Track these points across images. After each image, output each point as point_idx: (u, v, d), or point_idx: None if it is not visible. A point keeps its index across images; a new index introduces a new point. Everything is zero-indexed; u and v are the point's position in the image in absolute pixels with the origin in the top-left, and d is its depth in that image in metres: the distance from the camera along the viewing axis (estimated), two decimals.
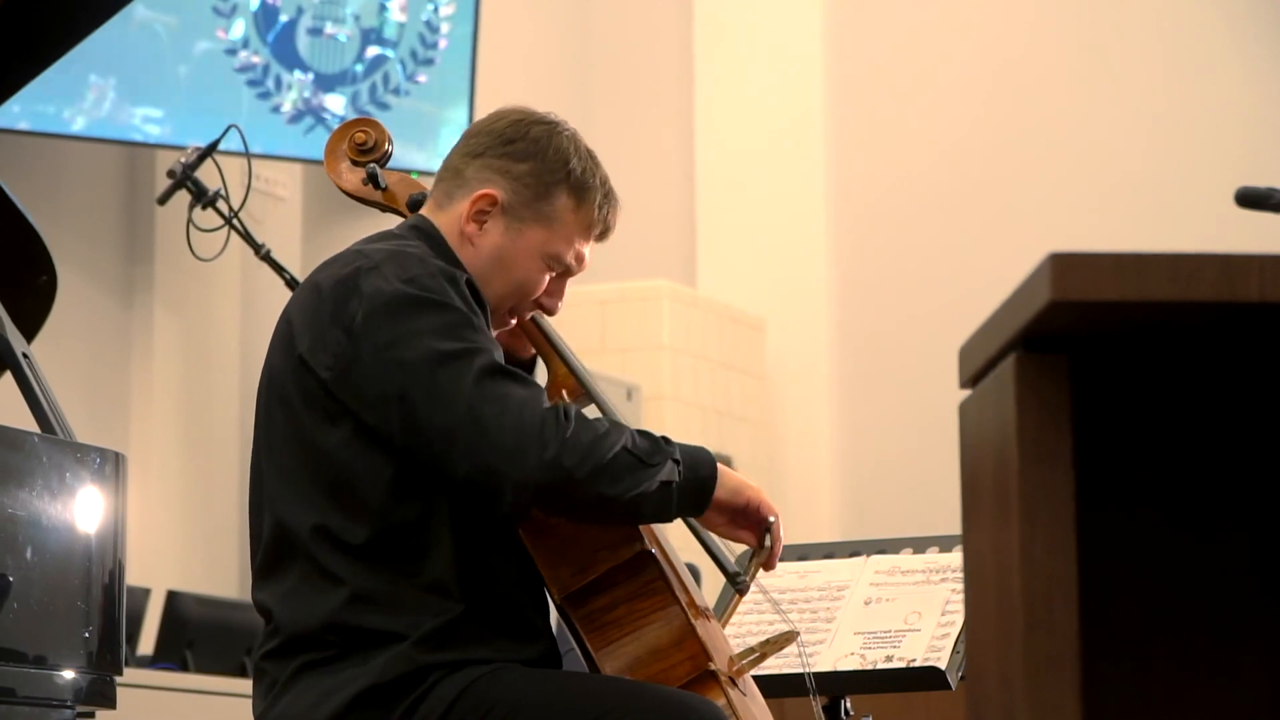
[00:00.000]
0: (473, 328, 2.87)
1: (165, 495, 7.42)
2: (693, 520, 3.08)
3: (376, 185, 3.23)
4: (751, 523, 3.01)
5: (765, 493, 3.02)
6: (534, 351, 3.16)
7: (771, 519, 3.00)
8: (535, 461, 2.78)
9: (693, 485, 2.92)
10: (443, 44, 7.96)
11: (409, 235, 3.03)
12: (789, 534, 3.10)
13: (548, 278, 3.05)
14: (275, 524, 2.93)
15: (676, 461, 2.89)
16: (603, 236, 3.09)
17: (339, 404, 2.88)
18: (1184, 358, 1.86)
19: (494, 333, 3.07)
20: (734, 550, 3.09)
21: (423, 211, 3.10)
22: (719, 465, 2.96)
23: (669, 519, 2.94)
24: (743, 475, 3.01)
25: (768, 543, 3.00)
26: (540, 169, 3.02)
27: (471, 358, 2.83)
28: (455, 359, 2.83)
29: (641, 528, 2.94)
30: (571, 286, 3.12)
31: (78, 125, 7.22)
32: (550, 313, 3.11)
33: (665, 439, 2.91)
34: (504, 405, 2.80)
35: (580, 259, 3.07)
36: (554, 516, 2.91)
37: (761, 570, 3.06)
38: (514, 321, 3.09)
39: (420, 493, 2.88)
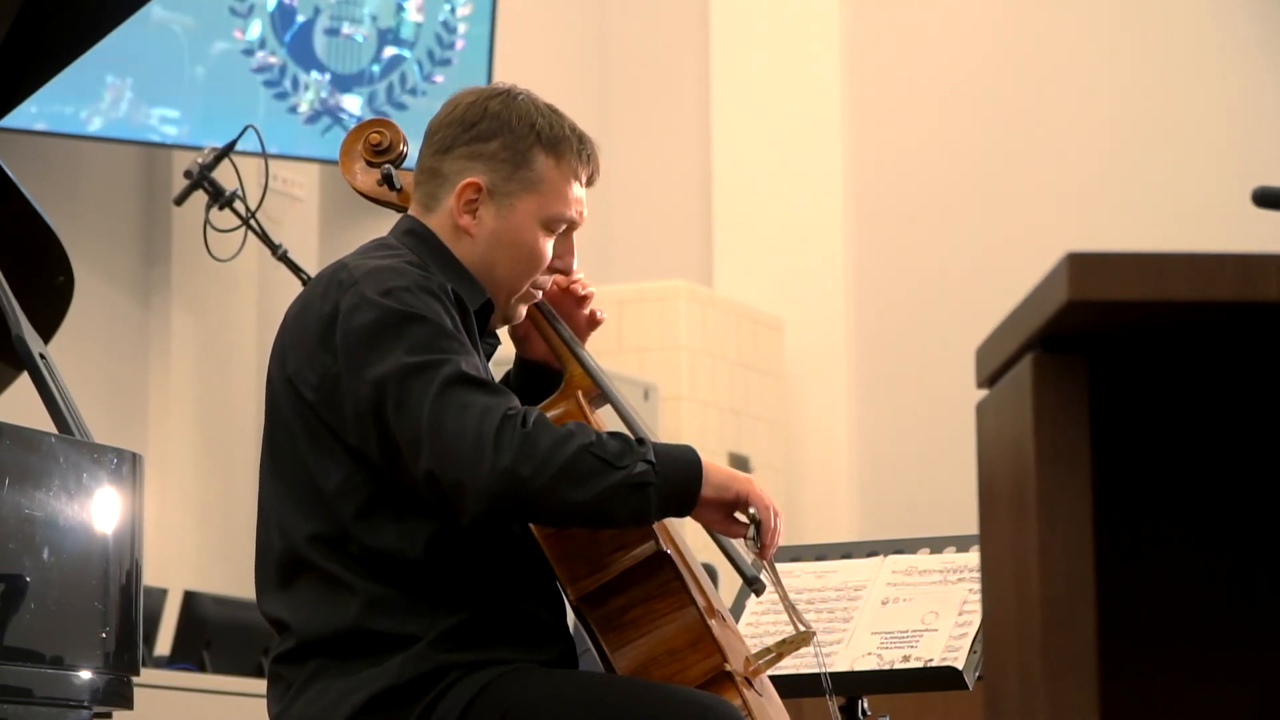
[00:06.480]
0: (445, 336, 2.86)
1: (182, 495, 7.43)
2: None
3: (391, 186, 3.23)
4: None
5: (759, 484, 2.96)
6: (558, 365, 3.14)
7: (753, 510, 2.92)
8: (489, 470, 2.76)
9: (673, 486, 2.85)
10: (460, 44, 7.96)
11: (402, 241, 3.03)
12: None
13: (551, 243, 3.05)
14: (283, 540, 2.93)
15: (651, 463, 2.83)
16: (591, 180, 3.08)
17: (325, 425, 2.89)
18: (1202, 358, 1.86)
19: (521, 310, 3.07)
20: (750, 551, 3.08)
21: (411, 213, 3.10)
22: (705, 462, 2.90)
23: (648, 522, 2.88)
24: (757, 475, 2.97)
25: (752, 534, 2.92)
26: (510, 140, 3.02)
27: (438, 368, 2.82)
28: (421, 370, 2.82)
29: (656, 527, 2.93)
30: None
31: (94, 126, 7.22)
32: (567, 273, 3.11)
33: (640, 440, 2.86)
34: (464, 414, 2.78)
35: (580, 211, 3.06)
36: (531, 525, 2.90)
37: (778, 567, 3.02)
38: (540, 294, 3.09)
39: (416, 505, 2.87)
